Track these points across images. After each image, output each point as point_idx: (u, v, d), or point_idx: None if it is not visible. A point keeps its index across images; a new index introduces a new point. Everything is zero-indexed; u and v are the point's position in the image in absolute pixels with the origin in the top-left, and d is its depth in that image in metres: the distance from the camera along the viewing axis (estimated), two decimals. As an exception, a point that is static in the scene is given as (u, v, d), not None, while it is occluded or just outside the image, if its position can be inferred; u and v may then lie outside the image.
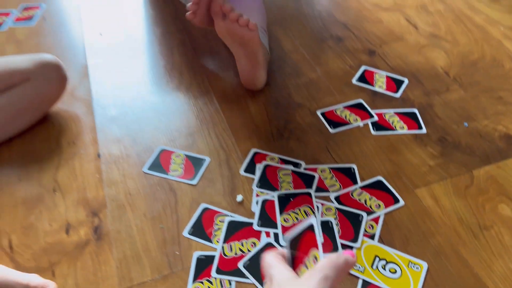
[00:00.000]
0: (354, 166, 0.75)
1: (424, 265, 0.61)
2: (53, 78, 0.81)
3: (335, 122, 0.84)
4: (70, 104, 0.88)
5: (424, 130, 0.82)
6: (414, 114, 0.85)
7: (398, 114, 0.85)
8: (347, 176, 0.74)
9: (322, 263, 0.35)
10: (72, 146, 0.80)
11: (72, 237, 0.66)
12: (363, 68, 0.96)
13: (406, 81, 0.93)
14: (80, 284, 0.60)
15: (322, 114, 0.86)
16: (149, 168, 0.76)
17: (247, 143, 0.80)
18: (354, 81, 0.93)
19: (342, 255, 0.36)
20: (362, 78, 0.94)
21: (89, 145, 0.81)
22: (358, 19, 1.11)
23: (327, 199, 0.70)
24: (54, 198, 0.72)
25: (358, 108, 0.87)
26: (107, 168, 0.76)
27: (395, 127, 0.82)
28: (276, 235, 0.65)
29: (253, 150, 0.79)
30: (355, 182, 0.73)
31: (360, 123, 0.83)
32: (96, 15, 1.17)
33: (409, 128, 0.82)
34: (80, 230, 0.67)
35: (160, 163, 0.77)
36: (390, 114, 0.85)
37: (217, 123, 0.85)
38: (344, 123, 0.84)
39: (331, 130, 0.82)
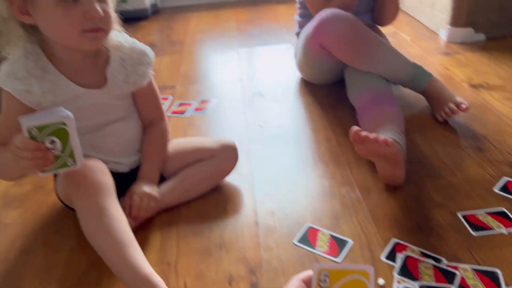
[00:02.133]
0: (498, 271, 0.77)
1: None
2: (230, 157, 1.01)
3: (477, 225, 0.87)
4: (236, 179, 1.07)
5: None
6: None
7: (545, 226, 0.85)
8: (491, 280, 0.75)
9: None
10: (236, 213, 0.97)
11: (234, 288, 0.78)
12: (505, 179, 0.99)
13: (553, 196, 0.93)
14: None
15: (463, 216, 0.90)
16: (299, 241, 0.88)
17: (388, 232, 0.88)
18: (495, 189, 0.96)
19: None
20: (504, 189, 0.97)
21: (249, 214, 0.96)
22: (498, 132, 1.16)
23: (470, 297, 0.72)
24: (220, 252, 0.86)
25: (501, 216, 0.89)
26: (263, 235, 0.90)
27: (543, 239, 0.82)
28: (418, 321, 0.69)
29: (394, 240, 0.85)
30: None
31: (504, 231, 0.85)
32: (256, 110, 1.41)
33: (558, 242, 0.81)
34: (240, 283, 0.79)
35: (308, 238, 0.88)
36: (536, 226, 0.86)
37: (359, 211, 0.94)
38: (486, 228, 0.86)
39: (473, 232, 0.86)
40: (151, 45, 0.98)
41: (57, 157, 0.71)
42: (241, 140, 1.24)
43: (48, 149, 0.69)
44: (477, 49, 1.71)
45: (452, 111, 1.17)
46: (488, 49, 1.70)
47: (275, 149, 1.20)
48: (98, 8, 0.74)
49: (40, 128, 0.67)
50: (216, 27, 2.28)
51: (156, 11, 2.59)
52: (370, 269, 0.35)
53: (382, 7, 1.40)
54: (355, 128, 0.91)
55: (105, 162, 0.86)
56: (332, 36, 1.22)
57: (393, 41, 1.49)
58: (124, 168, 0.95)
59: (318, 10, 1.29)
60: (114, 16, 0.80)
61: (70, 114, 0.69)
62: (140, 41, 0.92)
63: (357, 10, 1.28)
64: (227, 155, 1.01)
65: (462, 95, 1.37)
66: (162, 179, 0.99)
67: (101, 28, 0.77)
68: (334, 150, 1.17)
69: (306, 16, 1.43)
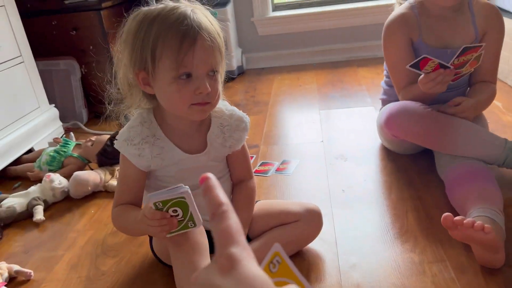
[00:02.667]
0: None
1: None
2: (315, 222, 1.01)
3: None
4: (319, 245, 1.06)
5: None
6: None
7: None
8: None
9: None
10: (320, 282, 0.95)
11: None
12: None
13: None
14: None
15: None
16: (387, 320, 0.83)
17: (488, 321, 0.80)
18: None
19: None
20: None
21: (334, 285, 0.93)
22: None
23: None
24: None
25: None
26: (349, 309, 0.87)
27: None
28: None
29: (496, 331, 0.78)
30: None
31: None
32: (339, 173, 1.41)
33: None
34: None
35: (397, 318, 0.83)
36: None
37: (453, 293, 0.88)
38: None
39: None
40: (237, 105, 1.05)
41: (180, 222, 0.81)
42: (323, 204, 1.24)
43: (172, 216, 0.79)
44: None
45: None
46: None
47: (359, 216, 1.17)
48: (207, 85, 0.81)
49: (164, 202, 0.78)
50: (297, 88, 2.37)
51: (241, 72, 2.76)
52: (306, 284, 0.35)
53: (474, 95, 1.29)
54: (446, 215, 0.87)
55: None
56: (401, 131, 1.25)
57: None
58: None
59: (399, 88, 1.31)
60: (221, 91, 0.88)
61: (187, 189, 0.77)
62: (226, 101, 0.99)
63: (450, 86, 1.24)
64: (312, 220, 1.01)
65: None
66: (247, 240, 1.01)
67: (208, 102, 0.84)
68: (424, 222, 1.11)
69: (391, 86, 1.43)
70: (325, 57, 2.79)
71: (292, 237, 1.00)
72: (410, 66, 1.09)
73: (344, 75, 2.48)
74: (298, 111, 2.06)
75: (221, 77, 0.88)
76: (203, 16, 0.83)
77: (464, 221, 0.85)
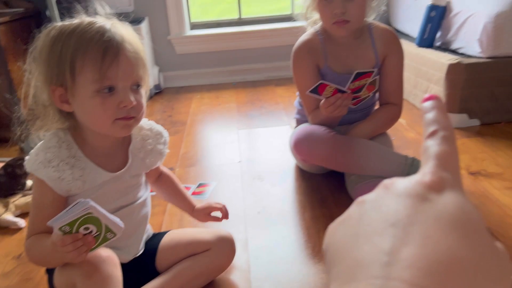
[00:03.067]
0: None
1: None
2: (227, 251, 0.98)
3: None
4: (232, 273, 1.03)
5: None
6: None
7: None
8: None
9: None
10: (232, 312, 0.91)
11: None
12: (513, 277, 0.95)
13: None
14: None
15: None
16: None
17: None
18: (504, 289, 0.92)
19: None
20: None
21: (246, 314, 0.90)
22: (502, 226, 1.14)
23: None
24: None
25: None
26: None
27: None
28: None
29: None
30: None
31: None
32: (255, 194, 1.40)
33: None
34: None
35: None
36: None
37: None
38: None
39: None
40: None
41: (97, 237, 0.74)
42: (238, 228, 1.21)
43: (85, 234, 0.73)
44: (473, 135, 1.74)
45: None
46: (483, 135, 1.73)
47: (274, 238, 1.16)
48: (132, 98, 0.78)
49: (71, 224, 0.71)
50: (216, 107, 2.35)
51: (159, 90, 2.68)
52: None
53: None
54: None
55: (115, 247, 0.87)
56: (308, 155, 1.30)
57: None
58: (128, 256, 0.92)
59: (309, 112, 1.35)
60: (145, 105, 0.84)
61: (89, 202, 0.72)
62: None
63: (358, 108, 1.30)
64: (223, 249, 0.98)
65: (463, 183, 1.36)
66: (155, 274, 0.95)
67: (133, 117, 0.81)
68: (335, 241, 1.13)
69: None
70: (245, 76, 2.82)
71: (203, 268, 0.96)
72: (310, 92, 1.12)
73: (263, 94, 2.51)
74: (216, 131, 2.04)
75: (145, 92, 0.84)
76: (124, 29, 0.80)
77: None
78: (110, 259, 0.80)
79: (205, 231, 1.01)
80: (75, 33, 0.76)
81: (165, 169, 1.06)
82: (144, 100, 0.84)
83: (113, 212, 0.87)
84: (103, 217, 0.73)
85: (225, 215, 1.06)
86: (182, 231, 1.04)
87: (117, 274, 0.80)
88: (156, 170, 1.01)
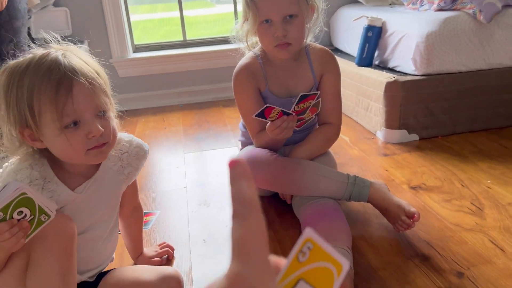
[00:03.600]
0: None
1: None
2: (172, 289, 0.93)
3: None
4: (175, 309, 0.97)
5: None
6: None
7: None
8: None
9: None
10: None
11: None
12: (454, 291, 0.97)
13: (502, 309, 0.91)
14: None
15: None
16: None
17: None
18: (446, 304, 0.93)
19: None
20: (454, 302, 0.94)
21: None
22: (442, 239, 1.17)
23: None
24: None
25: (454, 336, 0.85)
26: None
27: None
28: None
29: None
30: None
31: None
32: (202, 222, 1.36)
33: None
34: None
35: None
36: None
37: None
38: None
39: None
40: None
41: (31, 221, 0.73)
42: (183, 260, 1.16)
43: (19, 219, 0.71)
44: (413, 149, 1.81)
45: (408, 225, 1.13)
46: (422, 149, 1.80)
47: (220, 269, 1.12)
48: (99, 126, 0.77)
49: (4, 209, 0.69)
50: (162, 131, 2.29)
51: (102, 115, 2.58)
52: (346, 264, 0.31)
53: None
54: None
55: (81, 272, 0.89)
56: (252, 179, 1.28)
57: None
58: (80, 277, 0.89)
59: (253, 135, 1.34)
60: (115, 127, 0.84)
61: (19, 183, 0.70)
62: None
63: (297, 130, 1.30)
64: (168, 289, 0.93)
65: (403, 197, 1.40)
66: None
67: (105, 143, 0.80)
68: (271, 243, 1.11)
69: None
70: (191, 98, 2.78)
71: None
72: (256, 115, 1.11)
73: (210, 115, 2.49)
74: (162, 155, 1.98)
75: (112, 113, 0.83)
76: (76, 58, 0.78)
77: None
78: (53, 217, 0.76)
79: (149, 269, 0.96)
80: (27, 72, 0.75)
81: (140, 210, 1.09)
82: (114, 123, 0.83)
83: (81, 233, 0.87)
84: (37, 197, 0.71)
85: (171, 257, 1.17)
86: (125, 270, 0.97)
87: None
88: (132, 200, 1.03)
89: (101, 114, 0.79)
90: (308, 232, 0.31)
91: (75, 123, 0.76)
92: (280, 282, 0.31)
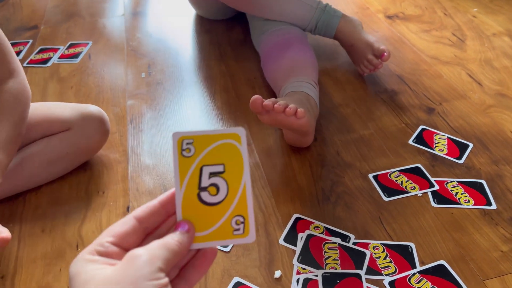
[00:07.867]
0: (412, 245, 0.65)
1: None
2: (95, 131, 0.77)
3: (390, 188, 0.75)
4: (105, 149, 0.84)
5: (493, 206, 0.71)
6: (482, 185, 0.75)
7: (462, 184, 0.75)
8: (404, 256, 0.64)
9: None
10: (102, 196, 0.75)
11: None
12: (421, 127, 0.87)
13: (470, 145, 0.82)
14: None
15: (375, 177, 0.77)
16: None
17: (289, 205, 0.72)
18: (410, 141, 0.84)
19: None
20: (419, 139, 0.84)
21: (119, 196, 0.75)
22: (415, 72, 1.03)
23: (380, 283, 0.60)
24: (76, 255, 0.66)
25: (416, 174, 0.77)
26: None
27: (459, 199, 0.72)
28: (319, 326, 0.56)
29: (295, 215, 0.71)
30: (413, 266, 0.63)
31: (419, 192, 0.74)
32: (141, 53, 1.15)
33: (475, 203, 0.71)
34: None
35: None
36: (453, 184, 0.75)
37: (256, 179, 0.78)
38: (400, 190, 0.74)
39: (385, 198, 0.73)
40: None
41: None
42: (115, 94, 0.99)
43: None
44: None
45: (374, 66, 0.96)
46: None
47: (162, 103, 0.97)
48: None
49: None
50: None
51: None
52: (241, 131, 0.32)
53: None
54: (255, 98, 0.71)
55: None
56: None
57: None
58: None
59: None
60: None
61: None
62: None
63: None
64: (89, 129, 0.76)
65: (377, 28, 1.21)
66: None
67: None
68: (233, 103, 0.97)
69: None
70: None
71: (63, 151, 0.75)
72: None
73: None
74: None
75: None
76: None
77: (275, 106, 0.71)
78: None
79: (66, 106, 0.78)
80: None
81: (14, 84, 0.69)
82: None
83: None
84: None
85: None
86: (38, 105, 0.78)
87: None
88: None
89: None
90: (176, 134, 0.31)
91: None
92: (181, 186, 0.31)
